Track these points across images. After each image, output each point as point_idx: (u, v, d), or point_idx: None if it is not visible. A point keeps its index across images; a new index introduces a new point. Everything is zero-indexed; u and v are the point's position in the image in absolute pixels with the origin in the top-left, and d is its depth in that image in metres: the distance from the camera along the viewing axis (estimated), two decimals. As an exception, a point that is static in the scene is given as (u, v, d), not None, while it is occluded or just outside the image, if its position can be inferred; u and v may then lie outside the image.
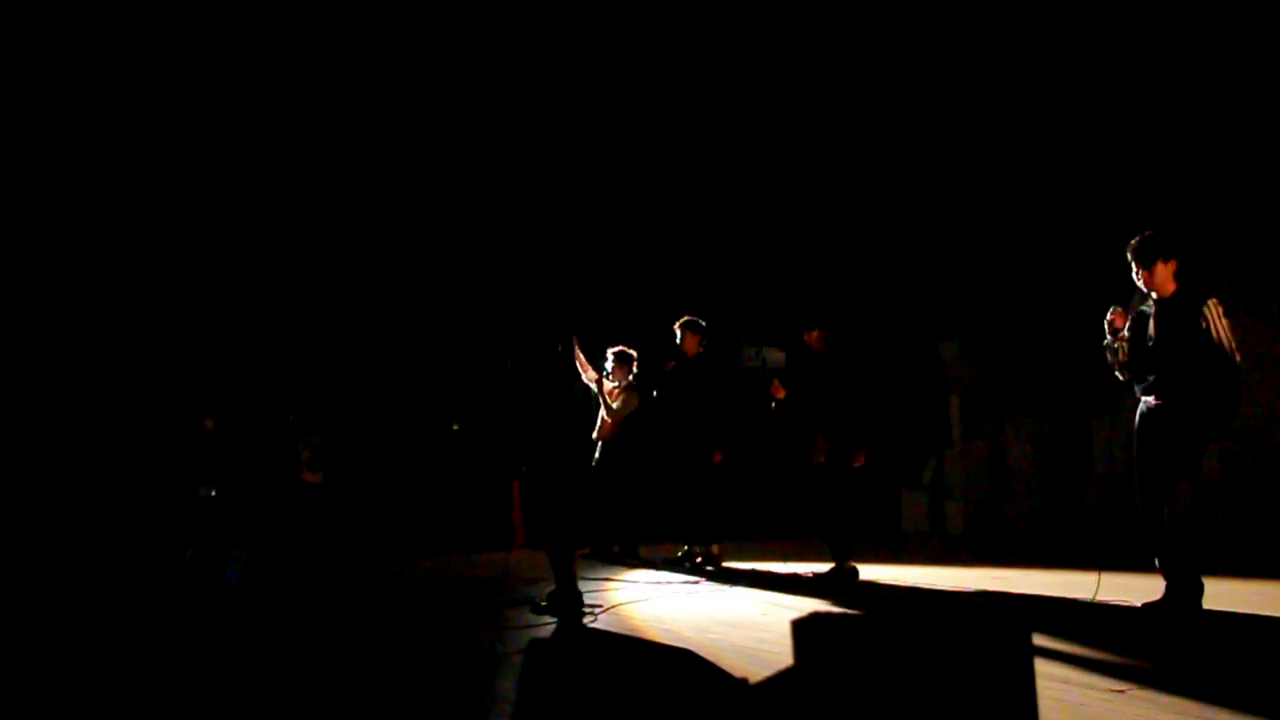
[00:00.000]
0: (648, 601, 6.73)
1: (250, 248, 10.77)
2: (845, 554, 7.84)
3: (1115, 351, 6.40)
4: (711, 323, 9.31)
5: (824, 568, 8.01)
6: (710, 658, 4.27)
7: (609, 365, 9.75)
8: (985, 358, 13.12)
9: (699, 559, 8.99)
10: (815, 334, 8.06)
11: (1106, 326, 6.45)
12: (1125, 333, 6.38)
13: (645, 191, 13.18)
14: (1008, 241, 13.33)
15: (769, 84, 13.01)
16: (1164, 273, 6.25)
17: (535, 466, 6.53)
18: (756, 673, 3.88)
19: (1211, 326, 6.13)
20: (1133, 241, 6.33)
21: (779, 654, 3.99)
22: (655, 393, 9.54)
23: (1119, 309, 6.35)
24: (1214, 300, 6.23)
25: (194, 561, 8.52)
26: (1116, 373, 6.37)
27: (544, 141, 12.14)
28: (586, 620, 5.89)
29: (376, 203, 11.98)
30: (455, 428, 12.10)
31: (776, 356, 11.40)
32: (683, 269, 13.27)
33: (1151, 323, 6.30)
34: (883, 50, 13.14)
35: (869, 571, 8.06)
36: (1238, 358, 6.12)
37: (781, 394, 8.13)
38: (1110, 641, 5.63)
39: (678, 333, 9.25)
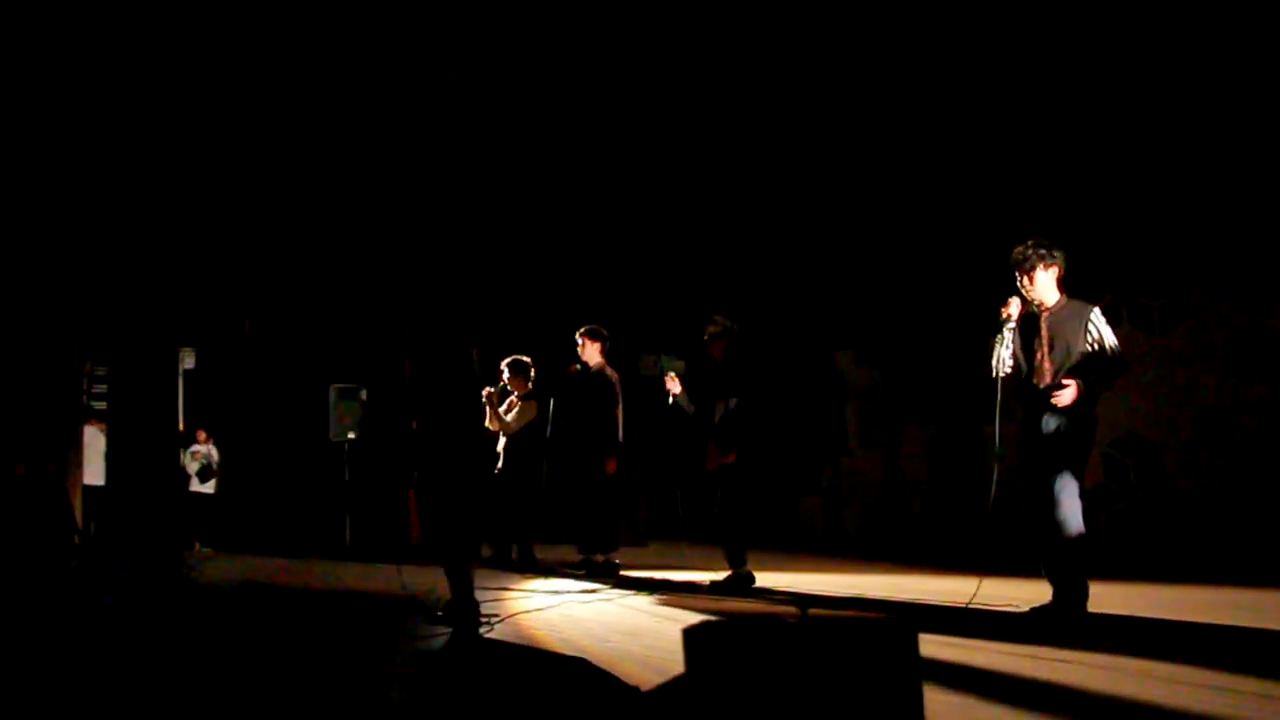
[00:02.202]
0: (545, 610, 6.67)
1: (136, 251, 10.47)
2: (741, 561, 7.87)
3: (1005, 344, 6.41)
4: (612, 331, 9.29)
5: (720, 575, 8.03)
6: (605, 666, 4.24)
7: (505, 374, 9.69)
8: (880, 365, 13.32)
9: (597, 567, 8.96)
10: (715, 342, 8.09)
11: (1001, 316, 6.46)
12: (1012, 327, 6.41)
13: (545, 199, 13.12)
14: (902, 249, 13.55)
15: (665, 93, 13.07)
16: (1046, 281, 6.37)
17: (429, 475, 6.43)
18: (650, 680, 3.85)
19: (1096, 335, 6.27)
20: (1015, 250, 6.45)
21: (673, 661, 3.97)
22: (553, 400, 9.49)
23: (1017, 299, 6.40)
24: (1099, 309, 6.38)
25: (76, 574, 8.24)
26: (994, 365, 6.41)
27: (443, 146, 12.03)
28: (483, 630, 5.81)
29: (270, 206, 11.74)
30: (352, 436, 11.90)
31: (675, 365, 11.43)
32: (582, 277, 13.24)
33: (1041, 329, 6.40)
34: (776, 58, 13.28)
35: (765, 578, 8.09)
36: (1125, 362, 6.25)
37: (678, 389, 8.14)
38: (999, 645, 5.72)
39: (579, 340, 9.22)
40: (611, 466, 8.87)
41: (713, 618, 2.42)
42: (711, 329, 8.11)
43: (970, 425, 12.59)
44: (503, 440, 9.66)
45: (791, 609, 2.16)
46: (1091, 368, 6.19)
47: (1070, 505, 6.26)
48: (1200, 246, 11.07)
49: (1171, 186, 11.51)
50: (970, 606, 6.55)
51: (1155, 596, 7.32)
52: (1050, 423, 6.29)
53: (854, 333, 13.69)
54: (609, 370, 9.11)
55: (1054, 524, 6.22)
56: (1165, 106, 11.61)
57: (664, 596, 7.49)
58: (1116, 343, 6.28)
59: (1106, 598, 6.68)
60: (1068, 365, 6.26)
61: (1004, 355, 6.39)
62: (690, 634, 2.36)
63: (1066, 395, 6.13)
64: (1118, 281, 10.51)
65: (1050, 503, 6.23)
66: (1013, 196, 12.61)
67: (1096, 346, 6.23)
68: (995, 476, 6.30)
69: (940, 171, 13.20)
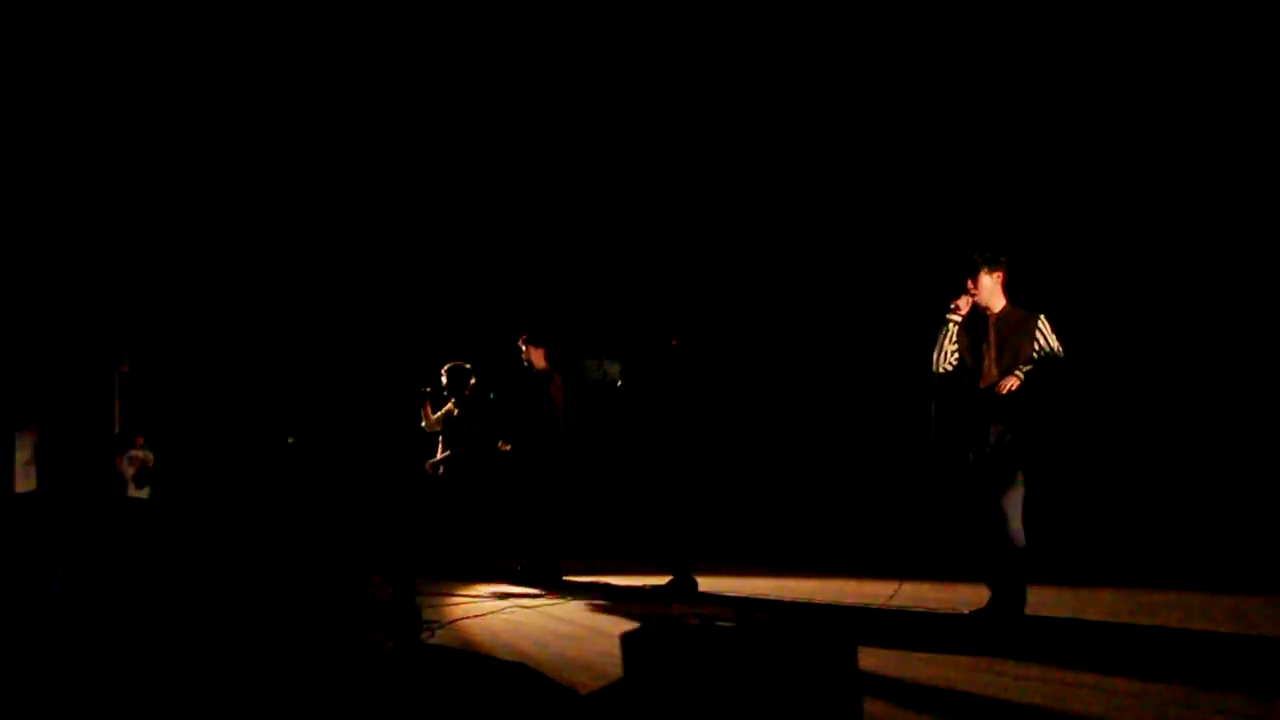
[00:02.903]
0: (487, 616, 6.62)
1: (76, 255, 10.31)
2: (685, 566, 7.86)
3: (950, 338, 6.44)
4: (555, 336, 9.27)
5: (663, 580, 8.02)
6: (546, 671, 4.21)
7: (443, 380, 9.69)
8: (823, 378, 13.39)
9: (536, 573, 8.92)
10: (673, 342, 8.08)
11: (950, 307, 6.49)
12: (958, 321, 6.45)
13: (486, 205, 13.05)
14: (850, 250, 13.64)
15: (575, 109, 13.09)
16: (991, 285, 6.42)
17: (375, 484, 6.37)
18: (588, 684, 3.83)
19: (1044, 342, 6.34)
20: (962, 253, 6.51)
21: (612, 666, 3.94)
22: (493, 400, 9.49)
23: (967, 298, 6.44)
24: (1044, 316, 6.45)
25: (7, 579, 8.05)
26: (936, 359, 6.44)
27: (369, 155, 11.93)
28: (424, 636, 5.75)
29: (208, 210, 11.60)
30: (290, 440, 11.76)
31: (616, 370, 11.40)
32: (525, 281, 13.17)
33: (989, 333, 6.45)
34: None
35: (709, 584, 8.09)
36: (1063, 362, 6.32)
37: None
38: (938, 647, 5.75)
39: (522, 347, 9.18)
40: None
41: (652, 623, 2.40)
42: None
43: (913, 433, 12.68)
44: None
45: (729, 614, 2.14)
46: (1036, 371, 6.26)
47: (1013, 510, 6.32)
48: (1146, 256, 11.25)
49: (1115, 196, 11.67)
50: (907, 610, 6.58)
51: (1090, 599, 7.41)
52: (996, 425, 6.34)
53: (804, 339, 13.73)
54: (553, 374, 9.10)
55: (997, 529, 6.27)
56: (1098, 121, 11.76)
57: (607, 602, 7.46)
58: (1061, 351, 6.36)
59: (1048, 601, 6.75)
60: (1014, 370, 6.32)
61: (949, 350, 6.42)
62: (628, 639, 2.34)
63: (1010, 383, 6.20)
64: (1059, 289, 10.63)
65: (994, 507, 6.28)
66: (963, 204, 12.72)
67: (1044, 353, 6.31)
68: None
69: (893, 178, 13.29)
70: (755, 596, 7.51)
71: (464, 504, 9.54)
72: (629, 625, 2.34)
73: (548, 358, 9.18)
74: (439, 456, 9.74)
